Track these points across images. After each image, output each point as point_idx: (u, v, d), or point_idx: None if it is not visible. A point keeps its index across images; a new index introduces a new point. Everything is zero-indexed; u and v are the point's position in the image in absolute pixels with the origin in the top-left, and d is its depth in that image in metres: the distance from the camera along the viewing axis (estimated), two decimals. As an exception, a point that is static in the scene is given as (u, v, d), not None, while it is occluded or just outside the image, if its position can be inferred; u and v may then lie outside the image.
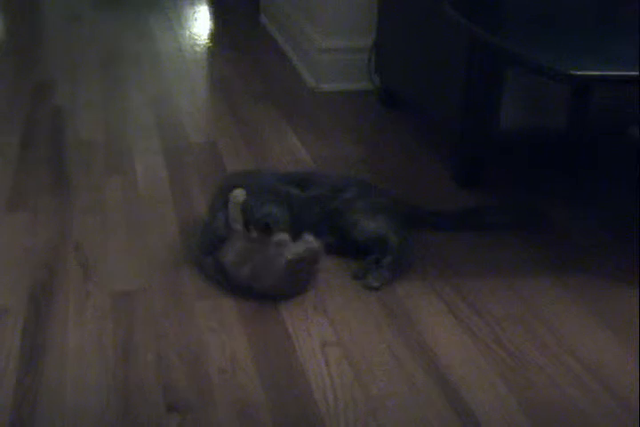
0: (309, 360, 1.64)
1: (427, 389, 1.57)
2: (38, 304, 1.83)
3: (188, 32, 4.15)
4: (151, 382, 1.58)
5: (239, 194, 1.91)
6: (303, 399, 1.53)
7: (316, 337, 1.72)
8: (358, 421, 1.48)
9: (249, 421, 1.48)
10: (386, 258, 1.93)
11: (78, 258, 2.01)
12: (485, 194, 2.36)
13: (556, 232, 2.16)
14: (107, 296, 1.85)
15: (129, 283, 1.91)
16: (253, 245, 1.84)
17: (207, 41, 4.00)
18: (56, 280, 1.92)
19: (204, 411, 1.50)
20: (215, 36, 4.13)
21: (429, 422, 1.48)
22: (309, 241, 1.87)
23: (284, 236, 1.84)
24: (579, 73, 1.78)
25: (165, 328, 1.74)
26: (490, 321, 1.78)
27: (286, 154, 2.65)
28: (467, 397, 1.54)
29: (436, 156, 2.62)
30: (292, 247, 1.82)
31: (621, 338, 1.73)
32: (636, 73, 1.76)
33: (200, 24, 4.35)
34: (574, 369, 1.63)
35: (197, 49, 3.86)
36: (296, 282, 1.86)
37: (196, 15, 4.49)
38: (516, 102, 2.37)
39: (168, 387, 1.56)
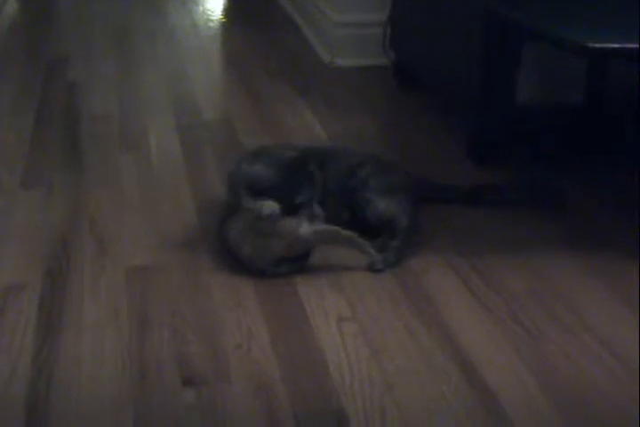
0: (325, 336, 1.64)
1: (443, 365, 1.56)
2: (54, 280, 1.83)
3: (202, 7, 4.13)
4: (167, 356, 1.58)
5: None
6: (319, 375, 1.53)
7: (332, 313, 1.72)
8: (374, 396, 1.48)
9: (264, 395, 1.48)
10: (393, 241, 1.92)
11: (93, 234, 2.02)
12: (500, 171, 2.35)
13: (572, 208, 2.14)
14: (122, 271, 1.86)
15: (144, 258, 1.91)
16: (253, 221, 1.83)
17: (221, 16, 3.98)
18: (71, 256, 1.92)
19: (220, 385, 1.50)
20: (229, 11, 4.11)
21: (446, 398, 1.48)
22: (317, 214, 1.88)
23: (270, 203, 1.83)
24: (596, 45, 1.76)
25: (181, 304, 1.75)
26: (506, 297, 1.77)
27: (301, 130, 2.64)
28: (483, 372, 1.54)
29: (451, 132, 2.60)
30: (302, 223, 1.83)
31: (638, 313, 1.72)
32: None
33: (214, -1, 4.34)
34: (591, 344, 1.62)
35: (211, 24, 3.84)
36: (296, 260, 1.85)
37: (209, -10, 4.48)
38: (533, 78, 2.35)
39: (183, 362, 1.57)
